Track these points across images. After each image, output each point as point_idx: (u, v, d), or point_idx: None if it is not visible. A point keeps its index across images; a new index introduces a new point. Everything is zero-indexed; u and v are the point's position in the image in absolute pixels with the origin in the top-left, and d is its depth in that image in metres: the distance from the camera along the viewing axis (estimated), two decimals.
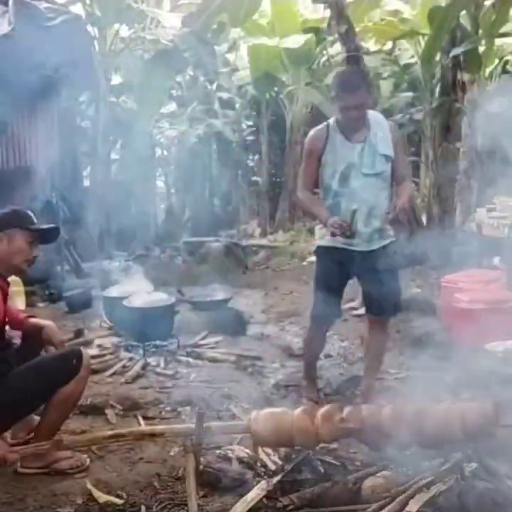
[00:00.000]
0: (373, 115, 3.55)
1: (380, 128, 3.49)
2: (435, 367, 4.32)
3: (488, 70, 9.47)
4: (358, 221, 3.35)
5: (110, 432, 2.78)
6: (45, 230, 2.99)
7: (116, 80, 12.32)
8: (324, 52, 12.45)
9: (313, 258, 4.23)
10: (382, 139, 3.45)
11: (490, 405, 2.55)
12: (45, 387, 2.84)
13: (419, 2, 9.93)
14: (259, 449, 2.78)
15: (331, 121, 3.55)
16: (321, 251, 3.66)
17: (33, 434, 3.00)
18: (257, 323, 5.92)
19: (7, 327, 3.02)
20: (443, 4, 8.51)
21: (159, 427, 2.88)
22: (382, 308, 3.63)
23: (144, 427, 3.37)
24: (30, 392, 2.80)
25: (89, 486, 2.77)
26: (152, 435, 2.72)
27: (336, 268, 3.57)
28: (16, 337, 3.20)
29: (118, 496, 2.72)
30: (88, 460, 3.03)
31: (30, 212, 2.97)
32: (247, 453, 2.86)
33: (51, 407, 2.87)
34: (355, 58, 7.44)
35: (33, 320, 3.17)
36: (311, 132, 3.58)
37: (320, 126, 3.57)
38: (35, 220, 2.96)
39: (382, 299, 3.56)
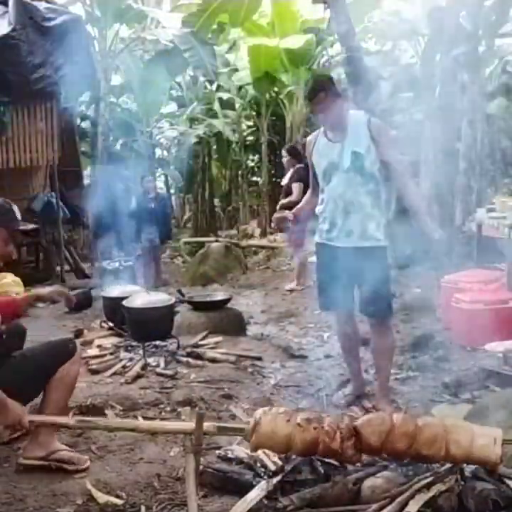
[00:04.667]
0: (353, 115, 3.68)
1: (357, 126, 3.60)
2: (435, 367, 4.33)
3: (488, 70, 9.47)
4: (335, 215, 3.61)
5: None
6: (23, 232, 2.99)
7: (116, 80, 12.33)
8: (324, 52, 12.46)
9: (313, 258, 4.28)
10: (356, 137, 3.57)
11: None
12: (47, 363, 2.94)
13: (419, 2, 9.95)
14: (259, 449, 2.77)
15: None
16: (315, 246, 3.92)
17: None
18: (257, 323, 5.92)
19: None
20: (443, 4, 8.50)
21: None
22: (368, 308, 3.66)
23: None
24: (33, 370, 2.90)
25: (89, 486, 2.77)
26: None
27: (326, 262, 3.74)
28: None
29: (118, 496, 2.71)
30: (88, 461, 3.03)
31: (13, 207, 2.94)
32: (247, 453, 2.86)
33: (50, 389, 2.93)
34: (355, 58, 7.43)
35: (29, 294, 3.17)
36: (307, 138, 3.95)
37: (314, 133, 3.87)
38: (18, 216, 2.97)
39: (369, 300, 3.60)
